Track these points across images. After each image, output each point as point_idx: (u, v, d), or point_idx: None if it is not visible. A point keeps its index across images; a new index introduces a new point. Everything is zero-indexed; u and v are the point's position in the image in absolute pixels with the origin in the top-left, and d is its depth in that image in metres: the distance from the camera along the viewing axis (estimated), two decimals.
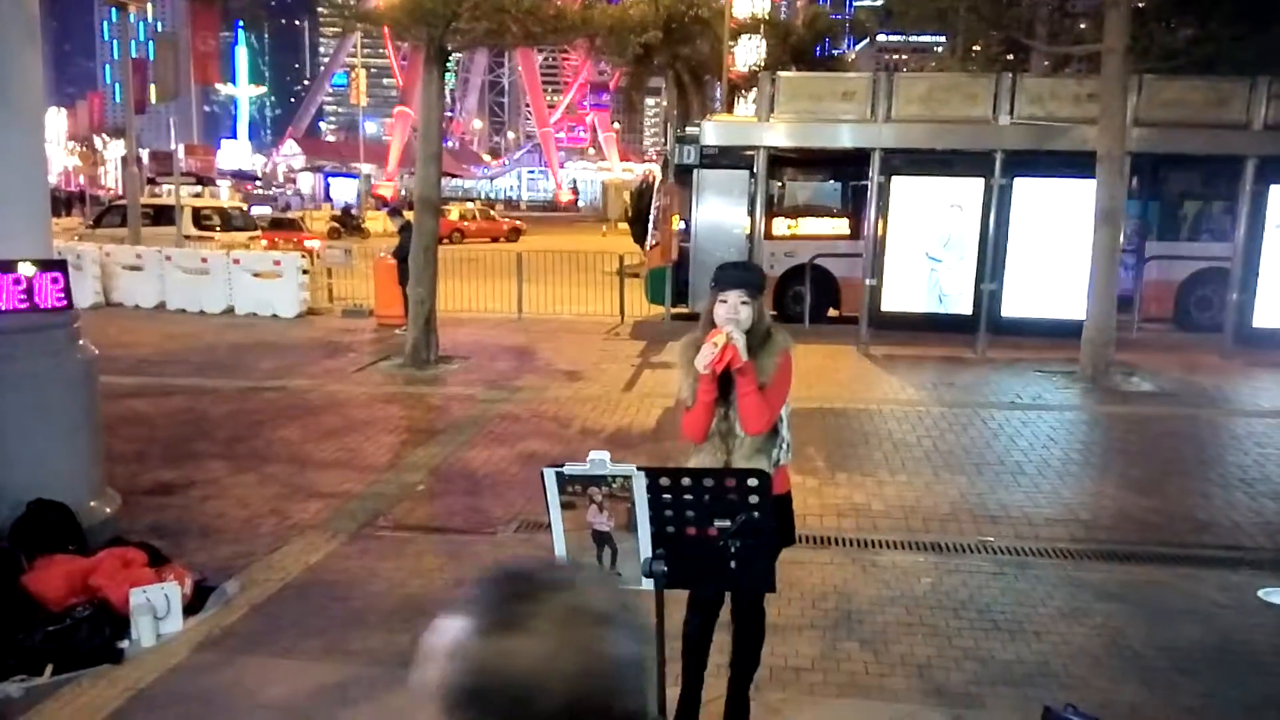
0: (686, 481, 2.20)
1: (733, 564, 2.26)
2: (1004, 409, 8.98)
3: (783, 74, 13.17)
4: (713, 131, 12.79)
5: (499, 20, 10.37)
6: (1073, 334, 10.54)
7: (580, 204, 76.78)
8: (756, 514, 2.18)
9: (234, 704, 3.80)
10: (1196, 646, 4.37)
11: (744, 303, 3.17)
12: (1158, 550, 5.56)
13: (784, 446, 3.34)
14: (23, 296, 4.80)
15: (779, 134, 12.07)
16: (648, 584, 2.25)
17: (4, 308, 4.74)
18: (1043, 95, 11.48)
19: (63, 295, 4.96)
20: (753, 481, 2.16)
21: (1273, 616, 4.71)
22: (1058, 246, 11.33)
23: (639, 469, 2.20)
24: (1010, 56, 16.35)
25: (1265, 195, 11.24)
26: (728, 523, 2.19)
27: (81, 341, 5.21)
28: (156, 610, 4.35)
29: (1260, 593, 4.96)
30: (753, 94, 23.66)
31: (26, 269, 4.80)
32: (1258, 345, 11.54)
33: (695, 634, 3.46)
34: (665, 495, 2.22)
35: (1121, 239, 10.55)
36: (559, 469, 2.27)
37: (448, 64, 10.80)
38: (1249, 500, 6.45)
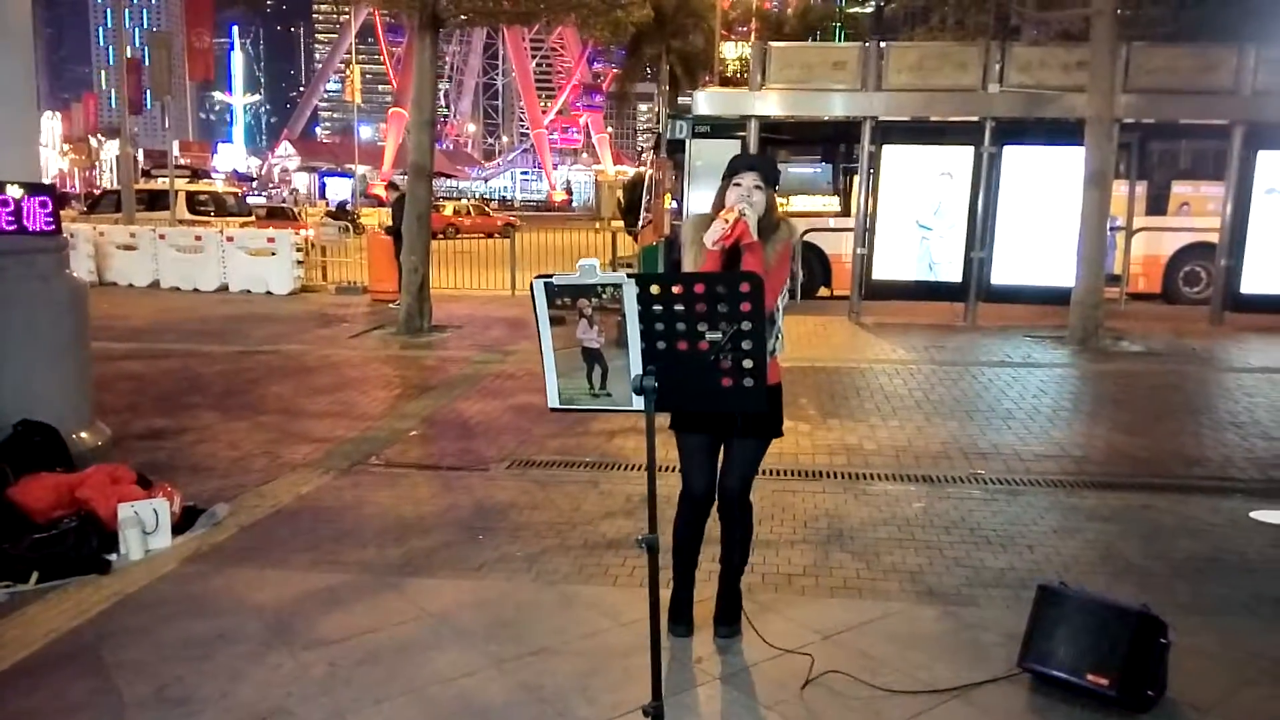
0: (677, 289, 2.19)
1: (725, 381, 2.25)
2: (994, 366, 9.00)
3: (774, 44, 13.17)
4: (705, 102, 12.80)
5: None
6: (1062, 301, 10.58)
7: (574, 204, 76.79)
8: (748, 324, 2.16)
9: (222, 606, 3.79)
10: (1190, 557, 4.38)
11: (757, 187, 3.19)
12: (1149, 481, 5.57)
13: (778, 337, 3.33)
14: (10, 218, 4.79)
15: (771, 103, 12.07)
16: (638, 403, 2.24)
17: None
18: (1032, 63, 11.50)
19: (51, 220, 4.94)
20: (745, 287, 2.15)
21: (1264, 533, 4.72)
22: (1047, 214, 11.34)
23: (629, 276, 2.19)
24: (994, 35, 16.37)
25: (1253, 161, 11.28)
26: (719, 335, 2.18)
27: (70, 270, 5.20)
28: (145, 525, 4.33)
29: (1251, 514, 4.98)
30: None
31: (14, 191, 4.79)
32: (1246, 310, 11.58)
33: (685, 529, 3.47)
34: (656, 306, 2.20)
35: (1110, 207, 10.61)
36: (548, 278, 2.26)
37: (442, 31, 10.79)
38: (1240, 440, 6.47)
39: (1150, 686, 2.99)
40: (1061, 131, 11.15)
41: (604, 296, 2.21)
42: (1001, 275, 11.61)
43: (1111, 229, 11.32)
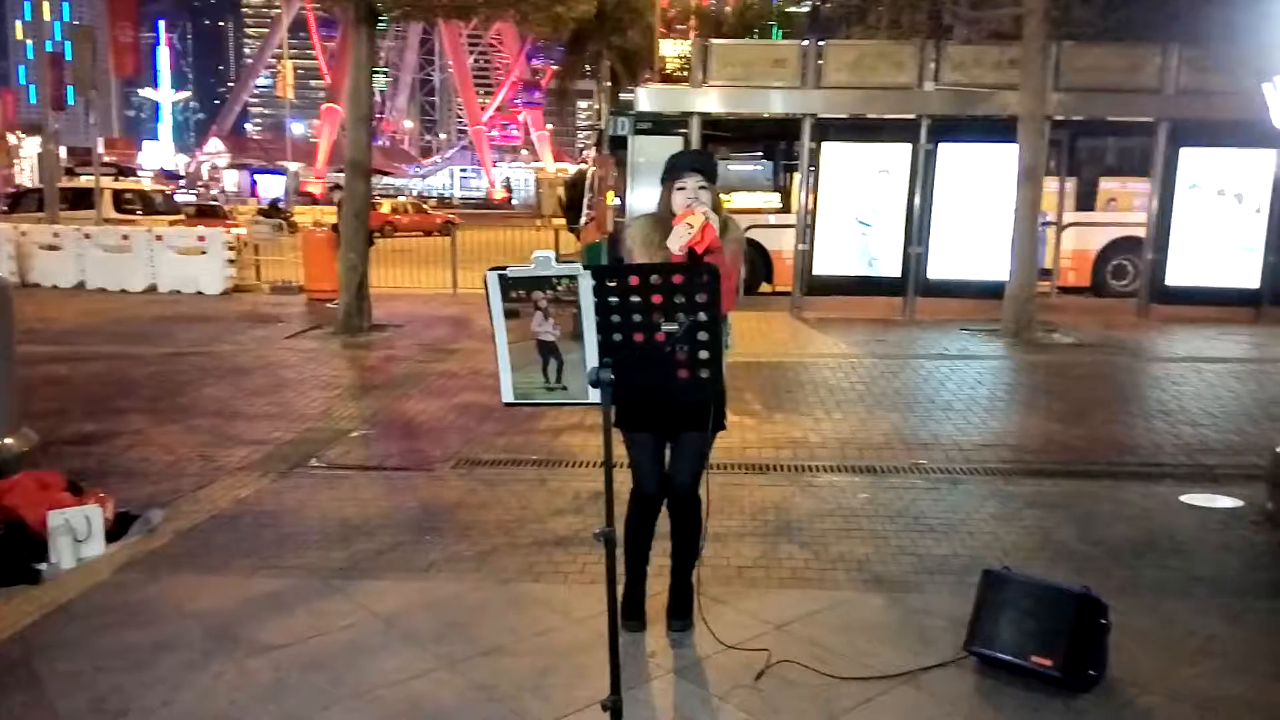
0: (634, 280, 2.18)
1: (682, 373, 2.24)
2: (932, 359, 9.20)
3: (715, 41, 13.28)
4: (647, 98, 12.82)
5: None
6: (997, 295, 10.82)
7: (514, 202, 76.23)
8: (704, 315, 2.16)
9: (160, 615, 3.68)
10: (1124, 541, 4.51)
11: (702, 187, 3.17)
12: (1084, 468, 5.73)
13: (729, 333, 3.35)
14: None
15: (712, 100, 12.14)
16: (594, 395, 2.22)
17: None
18: (966, 62, 11.75)
19: None
20: (704, 278, 2.15)
21: (1194, 516, 4.88)
22: (981, 210, 11.61)
23: (585, 268, 2.17)
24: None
25: (1176, 158, 11.67)
26: (675, 326, 2.17)
27: None
28: (77, 533, 4.19)
29: (1181, 497, 5.14)
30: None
31: None
32: (1171, 302, 11.98)
33: (636, 526, 3.47)
34: (612, 298, 2.19)
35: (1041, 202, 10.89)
36: (502, 271, 2.23)
37: (378, 25, 10.61)
38: (1168, 428, 6.68)
39: (1092, 666, 3.07)
40: (995, 129, 11.41)
41: (559, 289, 2.19)
42: (938, 270, 11.85)
43: (1043, 224, 11.62)
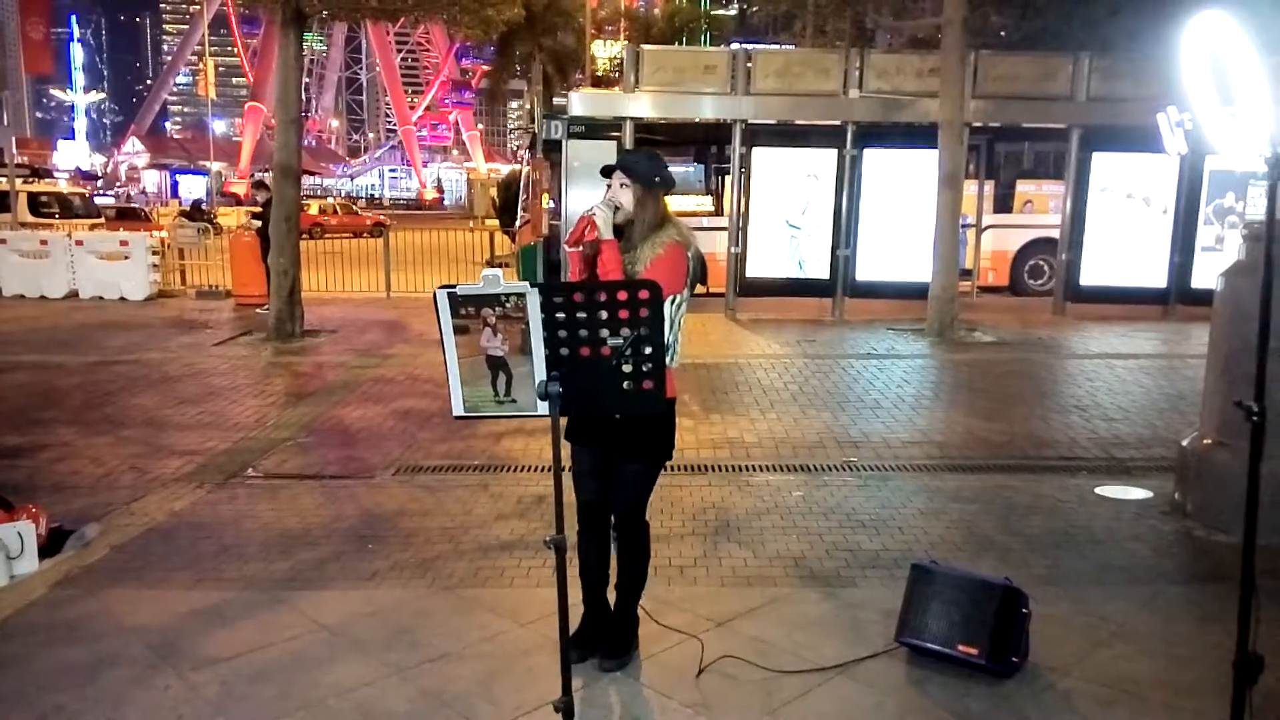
0: (579, 297, 2.27)
1: (625, 385, 2.35)
2: (861, 359, 9.46)
3: (647, 47, 13.42)
4: (580, 103, 12.90)
5: None
6: (920, 295, 11.16)
7: (446, 202, 75.51)
8: (646, 330, 2.27)
9: (100, 630, 3.64)
10: (1043, 532, 4.74)
11: (623, 185, 3.17)
12: (1004, 463, 5.99)
13: (672, 351, 3.24)
14: None
15: (644, 105, 12.28)
16: (543, 408, 2.31)
17: None
18: (889, 70, 12.09)
19: None
20: (644, 294, 2.25)
21: (1108, 507, 5.15)
22: (905, 213, 11.95)
23: (532, 285, 2.26)
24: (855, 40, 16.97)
25: (1089, 162, 12.18)
26: (620, 340, 2.28)
27: None
28: (9, 550, 4.12)
29: (1096, 490, 5.42)
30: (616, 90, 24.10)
31: None
32: (1085, 301, 12.50)
33: (585, 540, 3.39)
34: (559, 314, 2.28)
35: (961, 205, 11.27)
36: (451, 289, 2.30)
37: (305, 31, 10.48)
38: (1083, 422, 7.01)
39: (1015, 653, 3.26)
40: (917, 135, 11.76)
41: (507, 305, 2.27)
42: (865, 272, 12.18)
43: (963, 226, 12.02)
